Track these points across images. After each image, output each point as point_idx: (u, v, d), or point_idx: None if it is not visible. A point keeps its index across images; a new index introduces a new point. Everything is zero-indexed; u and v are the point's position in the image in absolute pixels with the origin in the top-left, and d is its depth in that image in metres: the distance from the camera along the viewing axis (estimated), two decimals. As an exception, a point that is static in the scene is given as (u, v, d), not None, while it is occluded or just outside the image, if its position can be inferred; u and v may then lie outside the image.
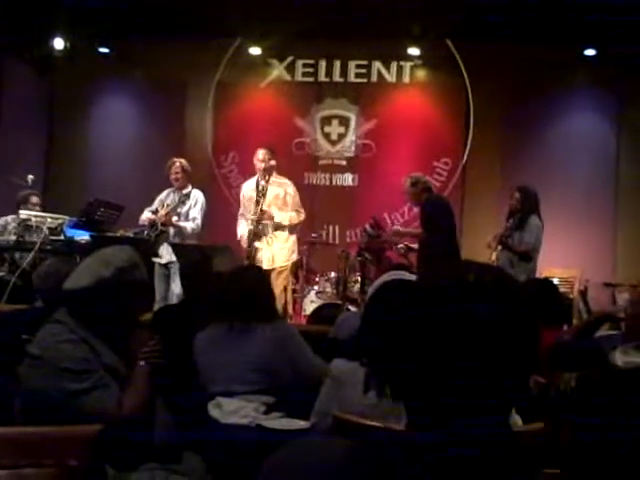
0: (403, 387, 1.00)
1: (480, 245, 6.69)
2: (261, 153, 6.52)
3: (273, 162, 6.52)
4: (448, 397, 0.95)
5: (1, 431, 2.04)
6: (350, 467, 0.97)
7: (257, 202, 6.46)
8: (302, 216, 6.62)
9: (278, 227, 6.48)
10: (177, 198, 6.60)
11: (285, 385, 3.09)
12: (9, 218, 7.12)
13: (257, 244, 6.42)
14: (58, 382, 2.25)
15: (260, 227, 6.42)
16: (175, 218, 6.56)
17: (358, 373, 2.38)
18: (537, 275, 6.39)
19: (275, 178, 6.59)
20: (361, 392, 2.36)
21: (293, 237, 6.66)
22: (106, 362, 2.33)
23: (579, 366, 2.84)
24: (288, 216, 6.48)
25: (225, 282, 3.43)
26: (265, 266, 6.33)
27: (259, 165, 6.49)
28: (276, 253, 6.49)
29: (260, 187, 6.52)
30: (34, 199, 7.16)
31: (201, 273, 4.33)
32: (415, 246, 6.60)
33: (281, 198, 6.52)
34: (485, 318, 0.97)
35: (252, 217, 6.45)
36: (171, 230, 6.55)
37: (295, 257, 6.76)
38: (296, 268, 7.27)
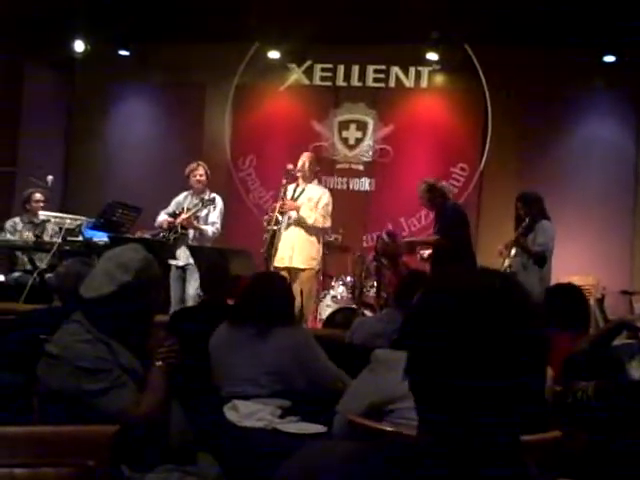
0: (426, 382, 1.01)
1: (496, 251, 6.64)
2: (304, 156, 6.81)
3: (314, 167, 6.80)
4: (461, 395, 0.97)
5: (19, 430, 2.06)
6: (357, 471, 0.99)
7: (291, 197, 6.63)
8: (327, 224, 6.68)
9: (301, 223, 6.54)
10: (200, 202, 6.54)
11: (300, 389, 3.09)
12: (17, 219, 7.19)
13: (280, 234, 6.47)
14: (75, 381, 2.26)
15: (282, 216, 6.54)
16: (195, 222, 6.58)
17: (400, 361, 2.37)
18: (552, 280, 6.34)
19: (315, 184, 6.81)
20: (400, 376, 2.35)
21: (318, 245, 6.69)
22: (123, 362, 2.34)
23: (596, 375, 2.82)
24: (314, 217, 6.55)
25: (248, 285, 3.45)
26: (279, 263, 6.43)
27: (300, 169, 6.70)
28: (295, 253, 6.53)
29: (298, 188, 6.70)
30: (37, 196, 7.21)
31: (219, 276, 4.34)
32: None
33: (314, 201, 6.63)
34: (495, 324, 0.99)
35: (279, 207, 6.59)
36: (190, 233, 6.55)
37: (317, 266, 6.74)
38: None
